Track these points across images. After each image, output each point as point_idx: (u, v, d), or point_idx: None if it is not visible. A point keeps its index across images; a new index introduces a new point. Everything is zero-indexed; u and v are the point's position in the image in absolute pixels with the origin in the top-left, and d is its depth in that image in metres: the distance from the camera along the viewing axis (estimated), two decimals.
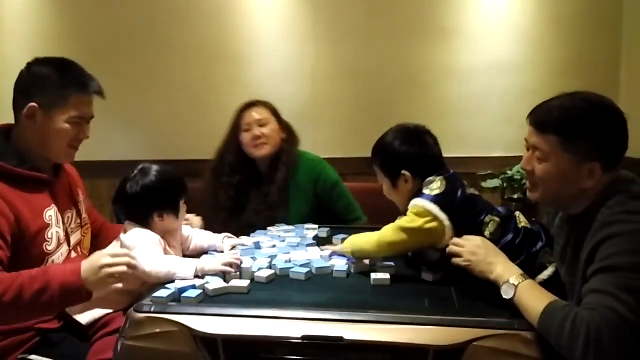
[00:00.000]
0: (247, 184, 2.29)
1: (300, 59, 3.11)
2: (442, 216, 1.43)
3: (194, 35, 3.13)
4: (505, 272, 1.30)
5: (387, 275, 1.46)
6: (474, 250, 1.37)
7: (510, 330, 1.17)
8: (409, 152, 1.55)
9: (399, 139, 1.56)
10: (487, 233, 1.45)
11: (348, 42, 3.07)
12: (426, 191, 1.48)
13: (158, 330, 1.25)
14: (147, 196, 1.60)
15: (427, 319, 1.21)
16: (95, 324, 1.58)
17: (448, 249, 1.42)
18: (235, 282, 1.42)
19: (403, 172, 1.54)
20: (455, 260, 1.39)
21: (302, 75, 3.11)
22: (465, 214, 1.46)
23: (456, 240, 1.42)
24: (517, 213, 1.55)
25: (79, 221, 1.75)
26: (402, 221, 1.48)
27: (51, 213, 1.60)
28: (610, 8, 2.93)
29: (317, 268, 1.52)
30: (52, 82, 1.57)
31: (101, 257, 1.42)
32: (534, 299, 1.21)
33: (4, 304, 1.34)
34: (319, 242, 1.83)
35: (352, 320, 1.22)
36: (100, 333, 1.54)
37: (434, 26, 3.02)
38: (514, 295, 1.24)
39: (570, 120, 1.29)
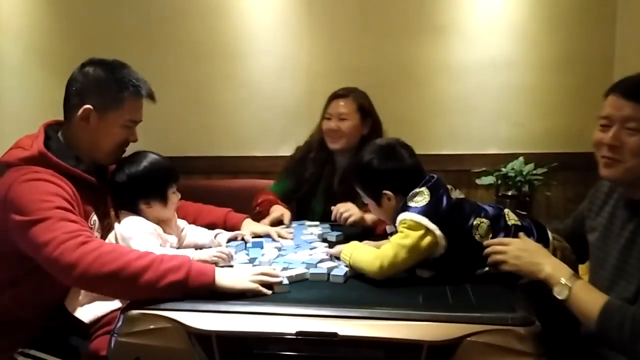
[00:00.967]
0: (321, 168, 2.34)
1: (295, 56, 3.10)
2: (432, 227, 1.42)
3: (189, 31, 3.12)
4: (555, 272, 1.29)
5: None
6: (518, 253, 1.35)
7: (504, 325, 1.17)
8: (387, 169, 1.53)
9: (375, 158, 1.55)
10: (477, 237, 1.45)
11: (343, 38, 3.07)
12: (412, 204, 1.46)
13: (152, 327, 1.25)
14: (133, 184, 1.61)
15: (421, 314, 1.21)
16: (98, 322, 1.56)
17: (490, 258, 1.40)
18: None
19: (384, 191, 1.53)
20: (502, 267, 1.37)
21: (297, 72, 3.11)
22: (453, 220, 1.45)
23: (496, 247, 1.40)
24: (506, 210, 1.54)
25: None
26: (397, 240, 1.44)
27: (95, 219, 1.60)
28: (604, 6, 2.93)
29: (312, 274, 1.46)
30: (109, 84, 1.56)
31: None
32: (588, 300, 1.22)
33: (134, 268, 1.30)
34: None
35: (347, 316, 1.22)
36: (102, 330, 1.53)
37: (428, 23, 3.02)
38: (568, 296, 1.24)
39: None
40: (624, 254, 1.32)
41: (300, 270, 1.46)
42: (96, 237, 1.58)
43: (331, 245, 1.71)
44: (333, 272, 1.46)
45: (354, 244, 1.54)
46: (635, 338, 1.10)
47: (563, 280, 1.26)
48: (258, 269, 1.41)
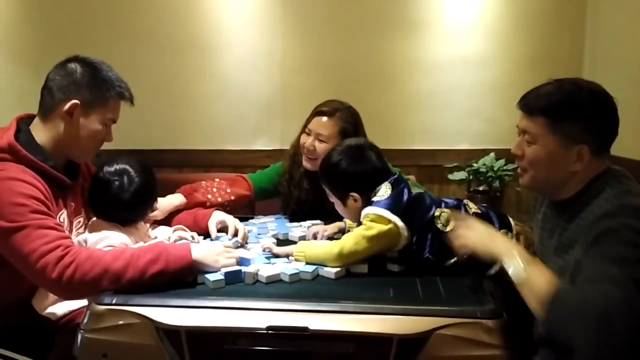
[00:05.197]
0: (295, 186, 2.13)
1: (269, 50, 3.08)
2: (394, 218, 1.46)
3: (160, 23, 3.06)
4: (508, 250, 1.24)
5: (364, 266, 1.48)
6: (479, 237, 1.33)
7: (473, 318, 1.19)
8: (355, 171, 1.56)
9: (344, 160, 1.57)
10: (439, 225, 1.49)
11: (317, 33, 3.05)
12: (375, 199, 1.51)
13: (120, 323, 1.23)
14: (141, 199, 1.62)
15: (391, 308, 1.22)
16: (63, 318, 1.54)
17: (456, 241, 1.38)
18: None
19: (351, 193, 1.56)
20: (464, 249, 1.36)
21: (271, 66, 3.08)
22: (415, 211, 1.49)
23: (461, 230, 1.38)
24: (465, 201, 1.59)
25: (87, 224, 1.71)
26: (360, 230, 1.49)
27: (64, 217, 1.58)
28: (574, 6, 2.99)
29: (289, 275, 1.41)
30: (98, 82, 1.56)
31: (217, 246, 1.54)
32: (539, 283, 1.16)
33: (114, 270, 1.34)
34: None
35: (317, 311, 1.22)
36: (69, 327, 1.51)
37: (402, 19, 3.03)
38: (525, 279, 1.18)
39: (558, 102, 1.31)
40: (558, 255, 1.33)
41: (276, 270, 1.44)
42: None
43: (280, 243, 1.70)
44: (302, 269, 1.44)
45: (303, 242, 1.58)
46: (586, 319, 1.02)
47: (518, 262, 1.20)
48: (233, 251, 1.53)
